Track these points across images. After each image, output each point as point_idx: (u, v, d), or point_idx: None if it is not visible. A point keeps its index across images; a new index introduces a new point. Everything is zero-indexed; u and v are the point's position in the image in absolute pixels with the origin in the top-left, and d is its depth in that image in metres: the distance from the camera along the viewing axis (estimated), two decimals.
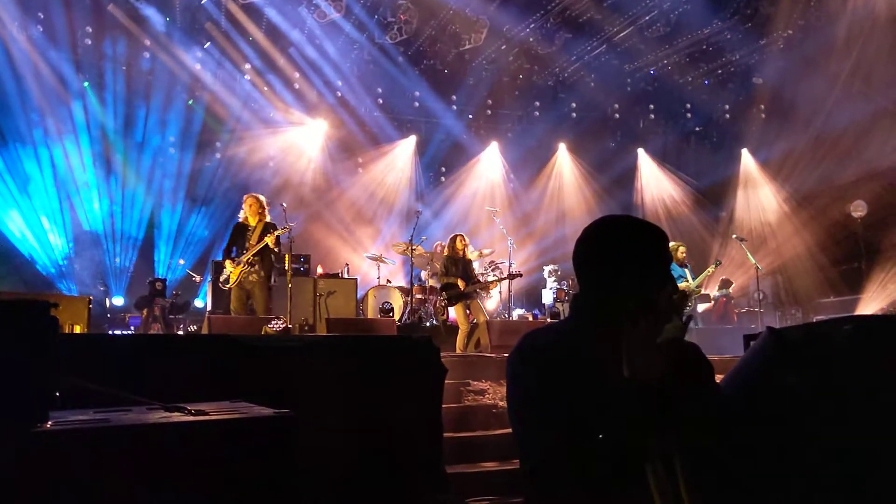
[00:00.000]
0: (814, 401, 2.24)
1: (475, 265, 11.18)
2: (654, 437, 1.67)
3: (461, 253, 10.48)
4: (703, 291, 11.58)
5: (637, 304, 1.75)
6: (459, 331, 10.19)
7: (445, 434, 4.57)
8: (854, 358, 2.28)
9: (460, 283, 10.16)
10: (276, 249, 8.86)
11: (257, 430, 1.89)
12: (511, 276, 11.26)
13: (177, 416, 1.90)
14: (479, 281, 10.73)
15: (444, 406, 4.54)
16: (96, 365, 3.02)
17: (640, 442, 1.68)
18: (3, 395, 1.74)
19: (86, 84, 13.80)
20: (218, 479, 1.80)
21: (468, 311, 10.19)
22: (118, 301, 13.95)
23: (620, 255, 1.91)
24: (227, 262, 8.72)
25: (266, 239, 8.71)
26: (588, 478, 1.72)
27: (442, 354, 4.25)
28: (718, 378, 2.44)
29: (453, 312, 12.00)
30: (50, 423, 1.82)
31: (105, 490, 1.71)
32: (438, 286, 10.57)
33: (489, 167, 17.49)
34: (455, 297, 10.23)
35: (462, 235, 10.65)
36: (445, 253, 10.67)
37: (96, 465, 1.72)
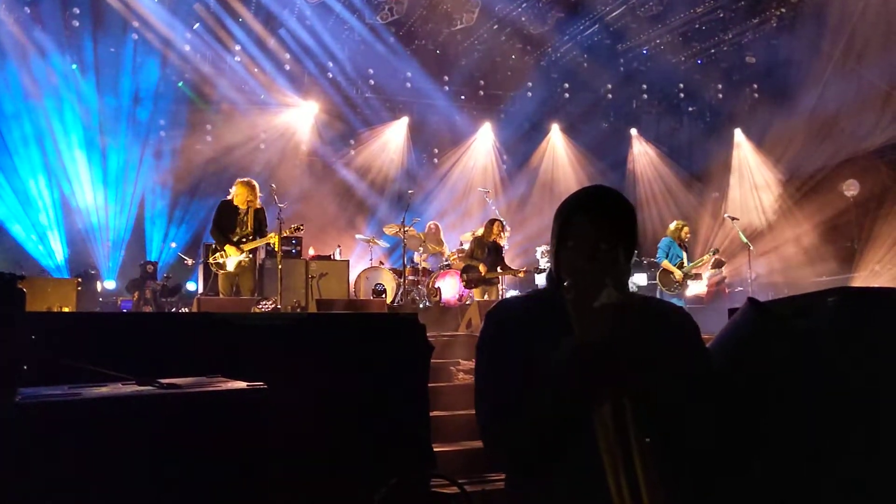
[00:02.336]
0: (796, 372, 2.23)
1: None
2: (604, 397, 1.69)
3: (494, 238, 10.50)
4: (694, 271, 11.55)
5: (568, 269, 1.86)
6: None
7: (435, 413, 4.56)
8: (838, 329, 2.26)
9: (481, 268, 10.25)
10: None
11: (228, 402, 1.87)
12: (538, 270, 11.34)
13: (147, 389, 1.87)
14: (506, 267, 10.75)
15: (434, 385, 4.53)
16: (77, 343, 3.00)
17: (583, 399, 1.72)
18: None
19: (74, 66, 13.66)
20: (187, 450, 1.78)
21: (486, 296, 10.28)
22: (109, 284, 13.89)
23: (553, 225, 2.03)
24: (229, 247, 8.64)
25: (272, 237, 8.76)
26: (535, 437, 1.79)
27: (433, 334, 4.23)
28: None
29: (446, 293, 12.04)
30: (19, 398, 1.79)
31: (73, 462, 1.69)
32: (461, 265, 10.68)
33: (482, 148, 17.43)
34: (475, 280, 10.31)
35: (501, 222, 10.69)
36: (479, 233, 10.71)
37: (63, 437, 1.69)
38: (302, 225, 9.23)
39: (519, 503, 1.97)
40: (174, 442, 1.78)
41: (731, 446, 1.96)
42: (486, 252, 10.44)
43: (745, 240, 11.25)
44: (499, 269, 10.66)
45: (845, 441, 2.17)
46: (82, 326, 3.33)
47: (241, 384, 1.96)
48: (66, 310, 7.78)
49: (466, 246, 11.77)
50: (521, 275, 11.21)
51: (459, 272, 10.78)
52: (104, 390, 1.98)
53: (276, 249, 9.02)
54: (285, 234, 8.91)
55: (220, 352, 3.13)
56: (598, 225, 1.91)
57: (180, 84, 14.60)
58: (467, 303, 10.90)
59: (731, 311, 2.92)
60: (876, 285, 12.02)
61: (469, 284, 10.44)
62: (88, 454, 1.74)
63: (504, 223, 10.82)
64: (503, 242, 10.88)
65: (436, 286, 12.26)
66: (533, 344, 1.85)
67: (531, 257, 13.94)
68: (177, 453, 1.77)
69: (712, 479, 1.93)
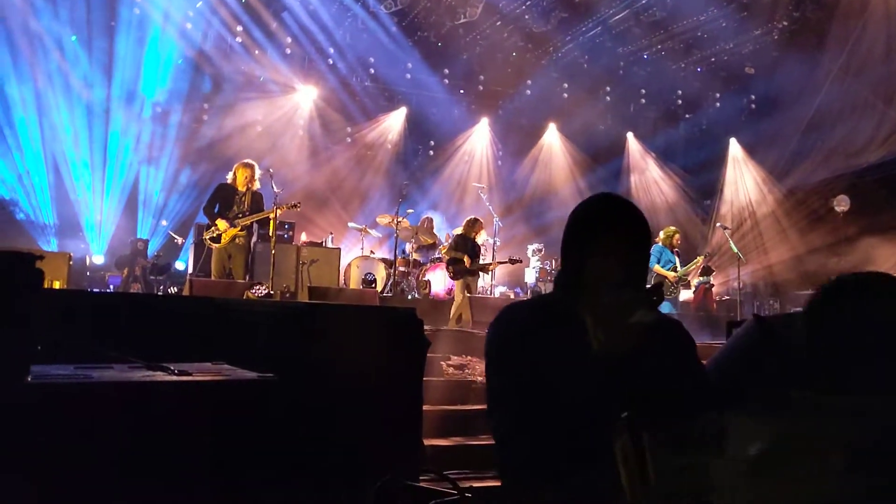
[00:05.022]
0: (795, 390, 2.25)
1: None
2: (621, 411, 1.69)
3: (474, 236, 11.09)
4: (687, 280, 11.61)
5: (596, 278, 1.79)
6: (454, 304, 10.53)
7: (424, 407, 4.58)
8: (811, 343, 2.29)
9: (466, 260, 10.65)
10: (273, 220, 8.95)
11: (240, 392, 1.88)
12: (512, 261, 11.58)
13: (160, 375, 1.89)
14: (478, 262, 11.08)
15: (424, 379, 4.55)
16: (78, 321, 3.00)
17: (604, 414, 1.70)
18: None
19: (73, 38, 13.55)
20: (197, 439, 1.79)
21: (467, 288, 10.52)
22: (98, 259, 13.82)
23: (572, 232, 2.01)
24: (220, 221, 8.63)
25: (274, 211, 8.74)
26: (551, 449, 1.76)
27: (424, 328, 4.24)
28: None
29: (436, 286, 12.12)
30: (30, 377, 1.80)
31: (84, 445, 1.70)
32: (446, 259, 11.14)
33: (478, 143, 17.44)
34: (460, 272, 10.63)
35: (481, 221, 11.29)
36: (461, 231, 11.22)
37: (76, 420, 1.71)
38: (299, 203, 9.22)
39: None
40: (186, 430, 1.79)
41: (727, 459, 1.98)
42: (468, 247, 10.81)
43: (735, 249, 11.32)
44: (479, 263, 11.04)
45: (823, 460, 2.19)
46: (83, 305, 3.33)
47: (252, 374, 1.98)
48: (57, 284, 7.75)
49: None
50: (493, 267, 11.52)
51: (445, 264, 11.13)
52: (113, 373, 2.00)
53: (271, 234, 9.00)
54: (283, 210, 8.88)
55: (219, 338, 3.15)
56: (631, 241, 1.92)
57: (179, 62, 14.51)
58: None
59: (731, 325, 2.96)
60: None
61: (456, 276, 10.77)
62: (97, 436, 1.76)
63: (482, 222, 11.22)
64: (480, 240, 11.22)
65: (426, 279, 12.31)
66: (543, 353, 1.82)
67: (521, 255, 13.99)
68: (188, 441, 1.79)
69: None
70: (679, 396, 1.82)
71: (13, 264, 1.72)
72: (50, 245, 13.06)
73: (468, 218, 11.36)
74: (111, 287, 12.52)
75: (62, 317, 2.86)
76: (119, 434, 1.74)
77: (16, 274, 1.71)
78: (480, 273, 11.23)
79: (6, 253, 1.76)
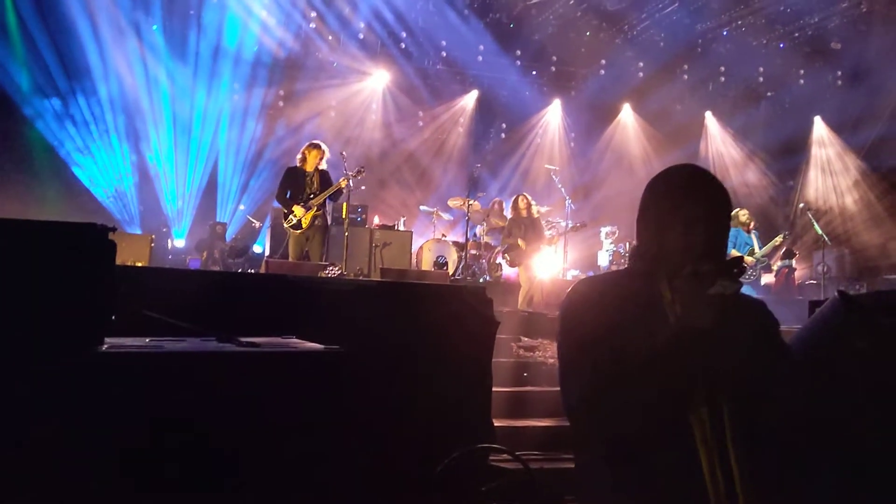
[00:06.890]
0: (876, 368, 2.16)
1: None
2: (699, 387, 1.64)
3: (524, 213, 10.53)
4: (767, 262, 11.22)
5: (675, 250, 1.73)
6: (521, 289, 10.25)
7: (494, 388, 4.56)
8: None
9: (521, 244, 10.24)
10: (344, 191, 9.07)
11: (305, 363, 1.89)
12: (575, 228, 11.21)
13: (228, 347, 1.91)
14: (542, 238, 10.71)
15: (494, 360, 4.53)
16: (156, 297, 3.08)
17: (681, 389, 1.66)
18: (61, 316, 1.77)
19: (154, 27, 13.93)
20: (264, 408, 1.81)
21: (532, 269, 10.25)
22: (179, 243, 14.25)
23: (650, 203, 1.94)
24: (297, 208, 8.77)
25: (341, 182, 8.84)
26: (627, 424, 1.70)
27: (495, 310, 4.21)
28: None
29: (507, 269, 12.02)
30: (105, 346, 1.85)
31: (153, 413, 1.73)
32: (503, 248, 10.70)
33: (551, 125, 17.25)
34: (517, 256, 10.33)
35: (524, 195, 10.70)
36: (510, 215, 10.71)
37: (146, 388, 1.74)
38: (363, 167, 9.30)
39: (597, 487, 1.89)
40: (253, 399, 1.81)
41: (807, 438, 1.91)
42: (523, 229, 10.41)
43: (819, 231, 10.89)
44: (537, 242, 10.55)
45: None
46: (161, 282, 3.42)
47: (318, 346, 1.98)
48: (139, 265, 8.01)
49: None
50: (555, 241, 11.01)
51: (502, 254, 10.82)
52: (185, 345, 2.03)
53: (344, 217, 9.08)
54: (351, 177, 8.98)
55: (292, 313, 3.19)
56: (712, 211, 1.85)
57: (255, 49, 14.77)
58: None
59: (813, 304, 2.85)
60: None
61: (514, 262, 10.46)
62: (168, 406, 1.79)
63: (528, 196, 10.70)
64: (536, 214, 10.77)
65: (497, 262, 12.25)
66: (617, 326, 1.77)
67: (595, 238, 13.80)
68: (254, 410, 1.80)
69: (798, 474, 1.88)
70: (761, 372, 1.76)
71: (85, 235, 1.76)
72: (134, 229, 13.51)
73: (513, 198, 10.85)
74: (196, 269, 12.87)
75: (141, 293, 2.92)
76: (185, 403, 1.77)
77: (88, 245, 1.75)
78: (544, 250, 10.61)
79: (78, 224, 1.80)
